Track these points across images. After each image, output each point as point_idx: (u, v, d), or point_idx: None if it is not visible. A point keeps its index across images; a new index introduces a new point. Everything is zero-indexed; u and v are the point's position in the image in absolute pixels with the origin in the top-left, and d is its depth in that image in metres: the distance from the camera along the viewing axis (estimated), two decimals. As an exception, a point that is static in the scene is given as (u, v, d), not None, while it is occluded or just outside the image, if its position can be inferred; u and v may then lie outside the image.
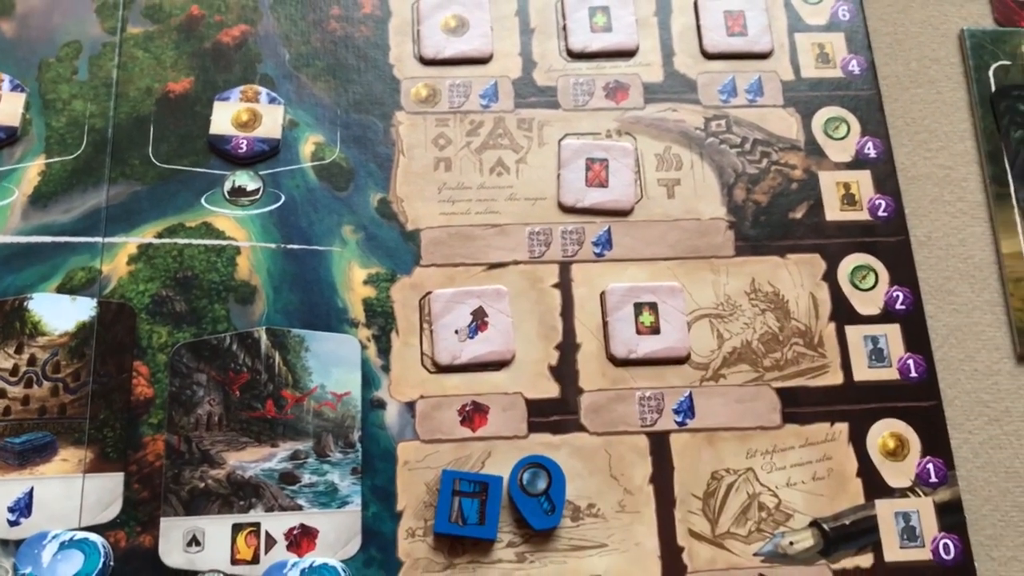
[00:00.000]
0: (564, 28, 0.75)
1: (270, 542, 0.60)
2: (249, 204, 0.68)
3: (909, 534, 0.62)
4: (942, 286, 0.70)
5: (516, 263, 0.68)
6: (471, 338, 0.65)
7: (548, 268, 0.68)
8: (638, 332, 0.66)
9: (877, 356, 0.67)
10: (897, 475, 0.64)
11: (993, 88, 0.75)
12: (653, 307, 0.67)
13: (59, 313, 0.65)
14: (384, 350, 0.65)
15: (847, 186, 0.71)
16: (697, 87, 0.74)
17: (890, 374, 0.66)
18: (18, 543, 0.59)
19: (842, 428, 0.65)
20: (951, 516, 0.63)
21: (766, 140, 0.72)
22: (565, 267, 0.68)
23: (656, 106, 0.73)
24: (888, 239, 0.70)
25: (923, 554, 0.62)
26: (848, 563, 0.61)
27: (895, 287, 0.68)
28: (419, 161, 0.70)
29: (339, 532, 0.61)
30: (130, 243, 0.67)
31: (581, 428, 0.64)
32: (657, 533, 0.62)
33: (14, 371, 0.63)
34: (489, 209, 0.69)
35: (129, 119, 0.70)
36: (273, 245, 0.67)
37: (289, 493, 0.61)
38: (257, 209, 0.68)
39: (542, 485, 0.61)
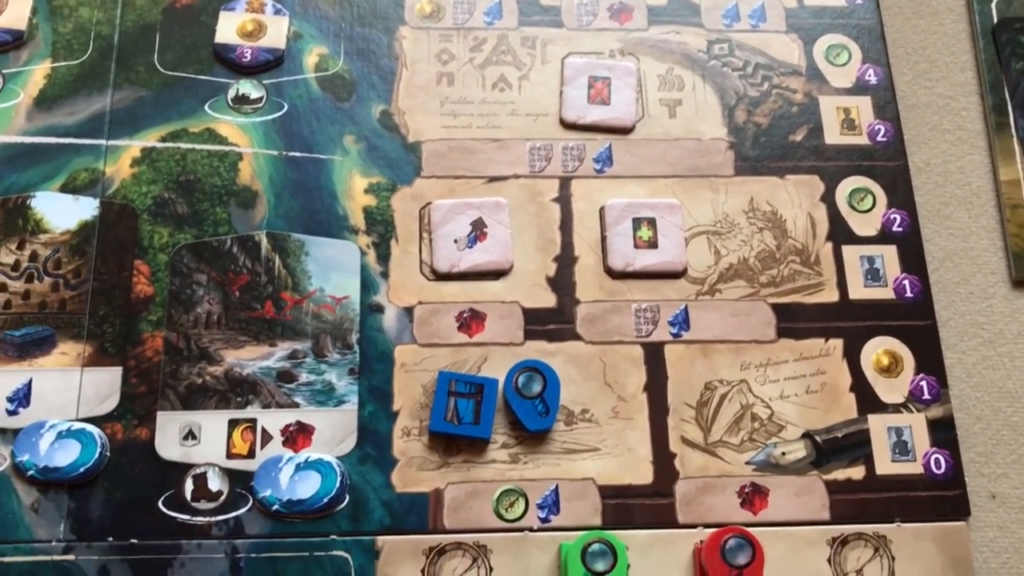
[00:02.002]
0: (569, -50, 0.75)
1: (266, 438, 0.61)
2: (252, 112, 0.69)
3: (901, 448, 0.63)
4: (939, 211, 0.70)
5: (516, 177, 0.68)
6: (470, 248, 0.66)
7: (548, 183, 0.68)
8: (636, 246, 0.67)
9: (873, 276, 0.67)
10: (890, 391, 0.64)
11: (995, 20, 0.75)
12: (651, 223, 0.67)
13: (62, 212, 0.65)
14: (383, 257, 0.66)
15: (847, 111, 0.72)
16: (700, 11, 0.74)
17: (885, 293, 0.67)
18: (16, 432, 0.60)
19: (836, 344, 0.65)
20: (943, 432, 0.63)
21: (768, 64, 0.73)
22: (565, 182, 0.69)
23: (659, 28, 0.73)
24: (887, 163, 0.70)
25: (914, 468, 0.62)
26: (840, 474, 0.62)
27: (892, 210, 0.69)
28: (422, 75, 0.71)
29: (335, 430, 0.61)
30: (133, 146, 0.67)
31: (577, 337, 0.64)
32: (650, 439, 0.62)
33: (15, 266, 0.64)
34: (491, 124, 0.70)
35: (135, 27, 0.71)
36: (275, 152, 0.68)
37: (286, 391, 0.62)
38: (260, 117, 0.69)
39: (537, 388, 0.62)
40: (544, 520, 0.60)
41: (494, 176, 0.68)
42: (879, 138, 0.71)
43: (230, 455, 0.60)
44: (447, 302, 0.65)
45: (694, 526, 0.60)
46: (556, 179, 0.69)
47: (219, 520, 0.59)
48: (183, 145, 0.67)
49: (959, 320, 0.67)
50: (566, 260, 0.66)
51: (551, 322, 0.65)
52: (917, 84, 0.74)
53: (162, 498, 0.59)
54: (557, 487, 0.61)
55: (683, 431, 0.62)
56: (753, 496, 0.61)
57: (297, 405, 0.62)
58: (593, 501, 0.60)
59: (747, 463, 0.62)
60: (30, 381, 0.61)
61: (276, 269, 0.65)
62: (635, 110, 0.70)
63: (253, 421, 0.61)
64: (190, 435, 0.61)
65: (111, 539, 0.58)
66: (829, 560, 0.59)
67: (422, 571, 0.58)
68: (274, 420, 0.61)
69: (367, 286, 0.65)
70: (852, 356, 0.65)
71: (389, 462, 0.61)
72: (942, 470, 0.62)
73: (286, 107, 0.69)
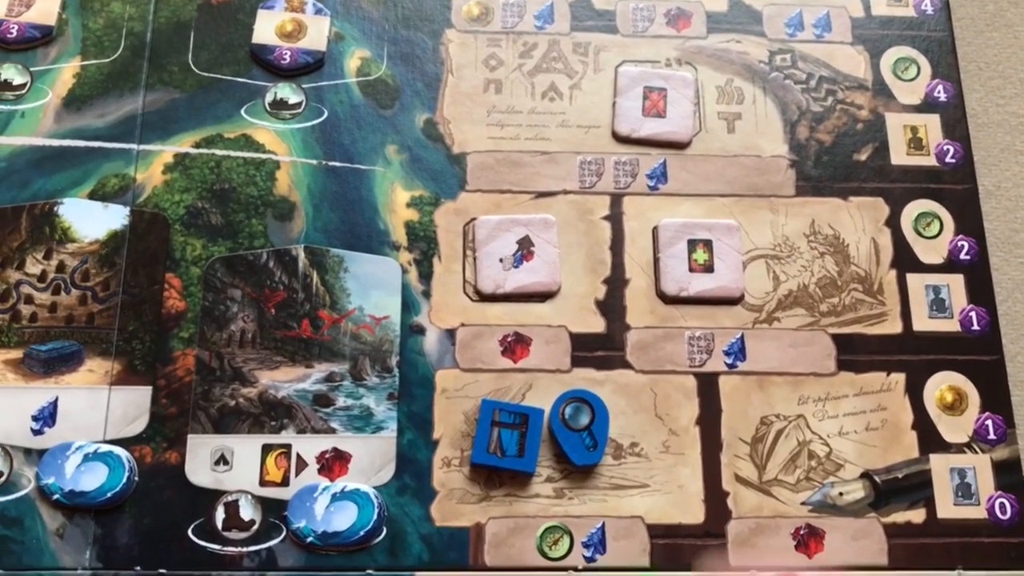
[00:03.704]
0: (625, -49, 0.72)
1: (301, 465, 0.58)
2: (290, 118, 0.66)
3: (964, 491, 0.60)
4: (1009, 238, 0.67)
5: (565, 193, 0.65)
6: (516, 267, 0.63)
7: (599, 199, 0.65)
8: (691, 270, 0.63)
9: (938, 306, 0.64)
10: (954, 430, 0.61)
11: (1073, 35, 0.71)
12: (708, 244, 0.64)
13: (90, 220, 0.62)
14: (425, 275, 0.63)
15: (914, 129, 0.68)
16: (762, 19, 0.70)
17: (951, 325, 0.63)
18: (41, 452, 0.57)
19: (899, 378, 0.62)
20: (1009, 475, 0.60)
21: (832, 78, 0.69)
22: (617, 199, 0.65)
23: (719, 36, 0.70)
24: (955, 187, 0.67)
25: (978, 512, 0.59)
26: (899, 517, 0.59)
27: (960, 236, 0.65)
28: (468, 82, 0.67)
29: (373, 458, 0.59)
30: (166, 151, 0.64)
31: (626, 365, 0.61)
32: (702, 476, 0.59)
33: (42, 277, 0.61)
34: (539, 135, 0.66)
35: (169, 24, 0.68)
36: (314, 161, 0.65)
37: (322, 416, 0.59)
38: (299, 123, 0.65)
39: (585, 420, 0.59)
40: (589, 559, 0.57)
41: (542, 191, 0.65)
42: (947, 159, 0.67)
43: (263, 482, 0.58)
44: (491, 325, 0.62)
45: (747, 569, 0.57)
46: (607, 196, 0.65)
47: (251, 551, 0.56)
48: (218, 151, 0.64)
49: (1028, 355, 0.64)
50: (616, 283, 0.63)
51: (600, 348, 0.62)
52: (989, 101, 0.70)
53: (192, 526, 0.57)
54: (603, 525, 0.58)
55: (737, 468, 0.59)
56: (808, 539, 0.58)
57: (334, 431, 0.59)
58: (641, 540, 0.58)
59: (803, 503, 0.59)
60: (56, 399, 0.59)
61: (314, 286, 0.62)
62: (692, 124, 0.67)
63: (288, 447, 0.59)
64: (222, 460, 0.58)
65: (138, 568, 0.56)
66: (889, 611, 0.57)
67: (462, 612, 0.56)
68: (309, 446, 0.59)
69: (408, 306, 0.62)
70: (915, 392, 0.62)
71: (429, 494, 0.58)
72: (1007, 515, 0.59)
73: (326, 113, 0.66)
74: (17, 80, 0.65)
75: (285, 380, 0.60)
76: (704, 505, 0.59)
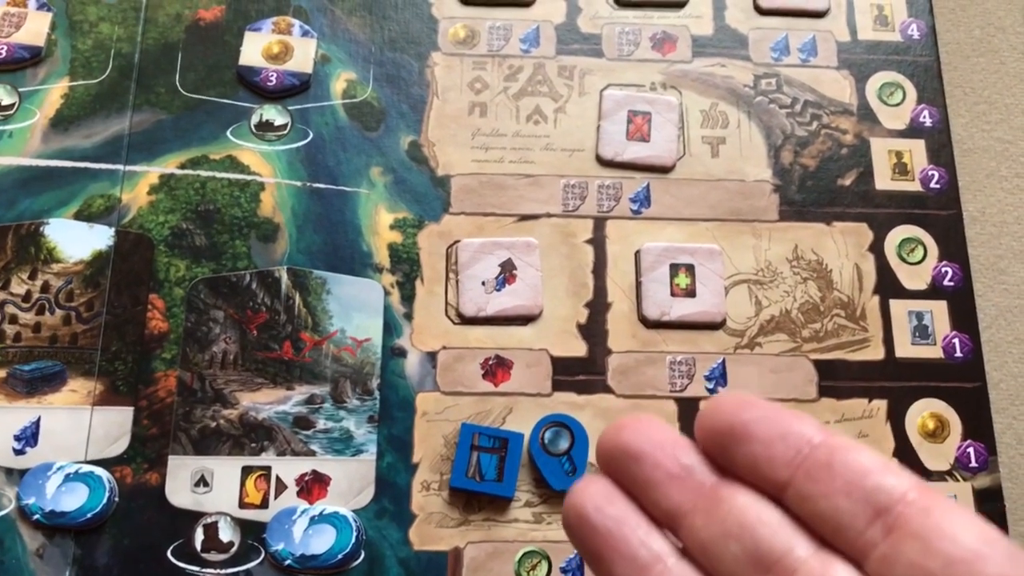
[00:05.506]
0: (612, -25, 0.72)
1: (280, 487, 0.58)
2: (276, 139, 0.66)
3: (944, 519, 0.59)
4: (994, 264, 0.67)
5: (549, 216, 0.65)
6: (498, 290, 0.63)
7: (582, 223, 0.65)
8: (672, 294, 0.63)
9: (921, 333, 0.64)
10: (936, 457, 0.61)
11: (1060, 61, 0.71)
12: (690, 269, 0.64)
13: (75, 240, 0.63)
14: (408, 297, 0.63)
15: (899, 155, 0.68)
16: (748, 43, 0.71)
17: (934, 352, 0.63)
18: (23, 472, 0.58)
19: (880, 405, 0.62)
20: (990, 503, 0.60)
21: (817, 102, 0.69)
22: (600, 223, 0.65)
23: (704, 60, 0.70)
24: (939, 212, 0.67)
25: (958, 541, 0.59)
26: (879, 545, 0.59)
27: (944, 262, 0.65)
28: (453, 104, 0.68)
29: (352, 481, 0.59)
30: (152, 172, 0.65)
31: (607, 390, 0.61)
32: (681, 502, 0.59)
33: (27, 297, 0.62)
34: (524, 158, 0.67)
35: (157, 45, 0.68)
36: (298, 183, 0.65)
37: (303, 438, 0.59)
38: (284, 145, 0.66)
39: (564, 445, 0.59)
40: (567, 585, 0.57)
41: (525, 214, 0.65)
42: (932, 185, 0.67)
43: (243, 504, 0.58)
44: (472, 348, 0.62)
45: (724, 596, 0.57)
46: (590, 219, 0.65)
47: (229, 573, 0.56)
48: (203, 173, 0.65)
49: (1011, 383, 0.64)
50: (599, 306, 0.63)
51: (581, 372, 0.62)
52: (974, 127, 0.70)
53: (171, 547, 0.57)
54: (582, 550, 0.58)
55: (716, 494, 0.59)
56: (787, 566, 0.58)
57: (313, 453, 0.59)
58: (619, 566, 0.58)
59: (782, 530, 0.59)
60: (38, 419, 0.59)
61: (296, 307, 0.62)
62: (676, 147, 0.67)
63: (267, 469, 0.59)
64: (202, 482, 0.58)
65: (117, 589, 0.56)
66: (866, 640, 0.57)
67: (438, 636, 0.56)
68: (289, 468, 0.59)
69: (390, 328, 0.62)
70: (896, 419, 0.62)
71: (407, 517, 0.58)
72: (988, 544, 0.59)
73: (311, 135, 0.66)
74: (5, 100, 0.65)
75: (266, 402, 0.60)
76: (683, 531, 0.59)
